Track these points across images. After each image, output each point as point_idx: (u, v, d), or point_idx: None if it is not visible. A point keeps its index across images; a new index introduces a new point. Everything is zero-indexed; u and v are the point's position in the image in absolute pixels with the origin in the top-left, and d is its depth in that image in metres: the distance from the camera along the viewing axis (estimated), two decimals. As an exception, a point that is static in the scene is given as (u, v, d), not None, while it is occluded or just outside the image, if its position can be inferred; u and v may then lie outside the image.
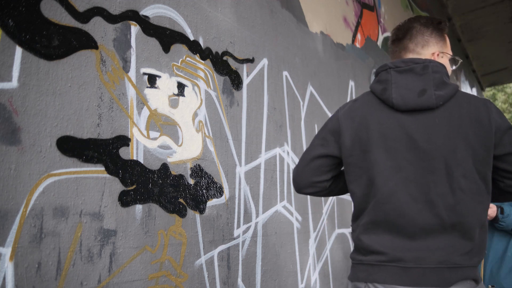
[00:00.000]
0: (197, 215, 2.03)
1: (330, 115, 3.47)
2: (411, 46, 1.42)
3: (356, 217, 1.39)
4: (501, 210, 2.39)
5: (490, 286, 2.30)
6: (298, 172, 1.47)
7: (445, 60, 1.44)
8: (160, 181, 1.85)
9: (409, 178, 1.27)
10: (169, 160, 1.92)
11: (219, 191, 2.19)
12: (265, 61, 2.71)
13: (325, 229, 3.19)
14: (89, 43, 1.64)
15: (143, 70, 1.86)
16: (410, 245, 1.24)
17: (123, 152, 1.72)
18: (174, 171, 1.93)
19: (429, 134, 1.27)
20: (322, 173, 1.43)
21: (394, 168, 1.28)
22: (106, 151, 1.65)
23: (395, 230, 1.27)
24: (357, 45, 4.29)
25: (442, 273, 1.20)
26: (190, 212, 1.99)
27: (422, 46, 1.41)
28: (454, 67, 1.49)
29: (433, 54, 1.41)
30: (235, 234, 2.26)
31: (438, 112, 1.28)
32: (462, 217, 1.22)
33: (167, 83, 1.97)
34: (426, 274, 1.21)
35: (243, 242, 2.31)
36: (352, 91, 3.99)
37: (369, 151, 1.32)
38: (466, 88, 10.29)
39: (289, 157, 2.83)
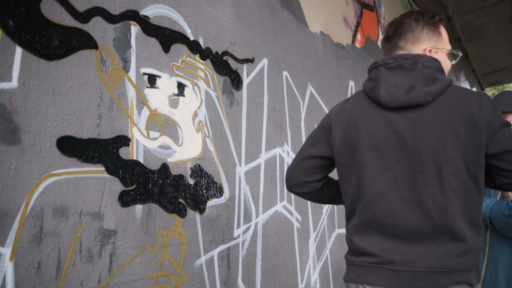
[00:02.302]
0: (197, 215, 2.03)
1: (330, 115, 3.47)
2: (401, 43, 1.38)
3: (348, 218, 1.38)
4: None
5: None
6: (290, 171, 1.46)
7: (440, 55, 1.38)
8: (160, 181, 1.85)
9: (399, 178, 1.24)
10: (169, 160, 1.92)
11: (219, 191, 2.19)
12: (265, 61, 2.71)
13: (325, 229, 3.19)
14: (89, 43, 1.64)
15: (143, 70, 1.86)
16: (401, 247, 1.22)
17: (123, 152, 1.71)
18: (174, 171, 1.93)
19: (418, 132, 1.23)
20: (313, 173, 1.42)
21: (383, 168, 1.26)
22: (106, 151, 1.65)
23: (385, 231, 1.25)
24: (357, 45, 4.29)
25: (433, 277, 1.18)
26: (190, 212, 1.99)
27: (413, 43, 1.37)
28: (454, 62, 1.45)
29: (424, 50, 1.36)
30: (235, 234, 2.26)
31: (428, 109, 1.24)
32: (452, 218, 1.19)
33: (167, 83, 1.97)
34: (416, 277, 1.18)
35: (243, 242, 2.31)
36: (352, 91, 3.99)
37: (358, 150, 1.30)
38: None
39: (289, 157, 2.83)
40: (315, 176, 1.42)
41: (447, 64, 1.40)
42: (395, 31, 1.40)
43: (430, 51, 1.37)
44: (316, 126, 3.24)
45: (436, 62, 1.30)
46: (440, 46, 1.39)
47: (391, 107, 1.27)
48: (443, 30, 1.42)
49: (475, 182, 1.22)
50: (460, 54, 1.46)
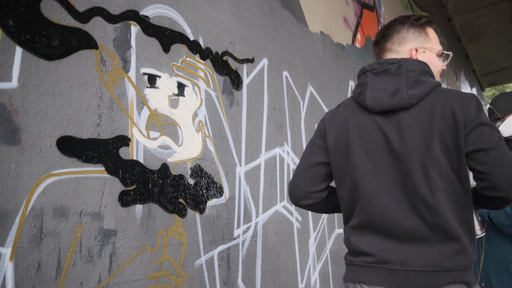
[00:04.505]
0: (197, 215, 2.03)
1: (330, 115, 3.47)
2: (388, 45, 1.41)
3: (346, 220, 1.39)
4: None
5: (483, 284, 2.25)
6: (295, 183, 1.43)
7: (429, 56, 1.39)
8: (160, 181, 1.85)
9: (390, 180, 1.25)
10: (169, 160, 1.92)
11: (219, 191, 2.19)
12: (265, 61, 2.71)
13: (325, 229, 3.19)
14: (89, 43, 1.64)
15: (143, 70, 1.86)
16: (397, 247, 1.23)
17: (123, 152, 1.71)
18: (174, 171, 1.93)
19: (403, 134, 1.24)
20: (318, 182, 1.40)
21: (375, 171, 1.28)
22: (106, 151, 1.65)
23: (382, 232, 1.26)
24: (357, 45, 4.29)
25: (428, 276, 1.18)
26: (190, 212, 1.99)
27: (399, 43, 1.39)
28: (446, 62, 1.45)
29: (411, 50, 1.37)
30: (235, 234, 2.26)
31: (412, 111, 1.25)
32: (444, 218, 1.19)
33: (167, 83, 1.97)
34: (412, 277, 1.19)
35: (243, 242, 2.31)
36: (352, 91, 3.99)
37: (350, 154, 1.32)
38: (466, 88, 10.29)
39: (289, 157, 2.83)
40: (320, 186, 1.41)
41: (437, 65, 1.41)
42: (383, 35, 1.44)
43: (416, 50, 1.38)
44: (316, 126, 3.24)
45: (423, 65, 1.31)
46: (428, 46, 1.39)
47: (376, 111, 1.29)
48: (430, 31, 1.43)
49: (461, 181, 1.22)
50: (451, 54, 1.46)
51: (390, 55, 1.40)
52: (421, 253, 1.20)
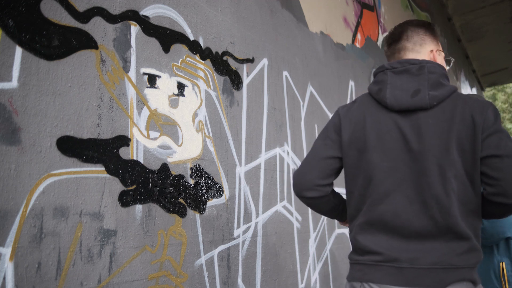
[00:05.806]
0: (197, 215, 2.03)
1: (330, 115, 3.47)
2: (409, 45, 1.42)
3: (352, 217, 1.39)
4: None
5: None
6: (302, 174, 1.41)
7: (441, 59, 1.45)
8: (160, 181, 1.85)
9: (405, 179, 1.26)
10: (169, 160, 1.92)
11: (219, 191, 2.19)
12: (265, 61, 2.71)
13: (325, 229, 3.19)
14: (89, 43, 1.64)
15: (143, 70, 1.86)
16: (405, 245, 1.24)
17: (123, 152, 1.71)
18: (174, 171, 1.93)
19: (421, 134, 1.26)
20: (327, 176, 1.40)
21: (390, 169, 1.28)
22: (106, 151, 1.65)
23: (390, 231, 1.26)
24: (357, 45, 4.29)
25: (437, 273, 1.19)
26: (190, 212, 1.99)
27: (420, 44, 1.42)
28: (448, 67, 1.50)
29: (431, 51, 1.42)
30: (235, 234, 2.26)
31: (432, 112, 1.27)
32: (456, 219, 1.21)
33: (167, 83, 1.97)
34: (421, 274, 1.20)
35: (243, 242, 2.31)
36: (352, 91, 3.99)
37: (366, 151, 1.32)
38: (466, 88, 10.29)
39: (289, 157, 2.83)
40: (328, 180, 1.41)
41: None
42: (401, 36, 1.45)
43: (436, 51, 1.43)
44: (316, 126, 3.24)
45: (442, 68, 1.34)
46: (441, 50, 1.46)
47: (395, 109, 1.30)
48: (438, 39, 1.49)
49: (473, 185, 1.24)
50: (453, 60, 1.54)
51: (410, 55, 1.41)
52: (429, 251, 1.22)
